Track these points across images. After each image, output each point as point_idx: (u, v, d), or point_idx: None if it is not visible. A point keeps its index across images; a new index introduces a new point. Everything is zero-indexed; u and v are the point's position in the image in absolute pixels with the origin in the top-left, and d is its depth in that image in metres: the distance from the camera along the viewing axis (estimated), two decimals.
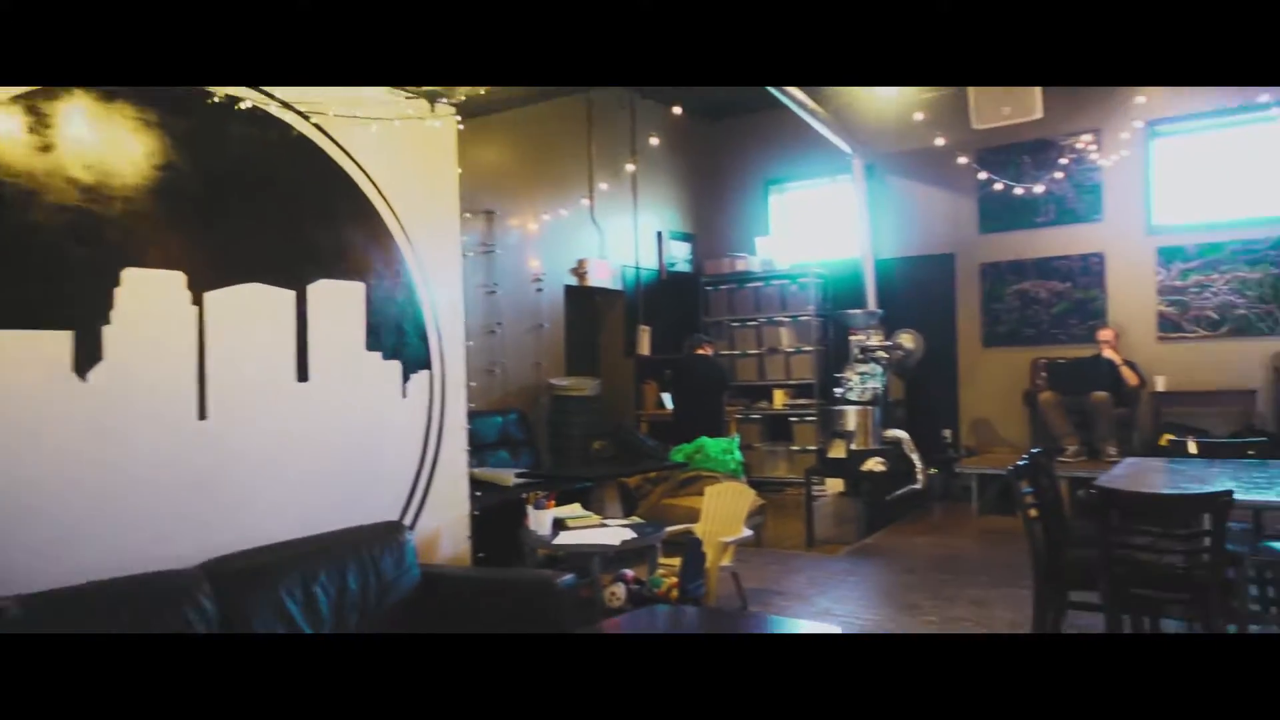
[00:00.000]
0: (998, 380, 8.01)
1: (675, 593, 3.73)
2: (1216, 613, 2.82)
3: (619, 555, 4.11)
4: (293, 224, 3.32)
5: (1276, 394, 6.66)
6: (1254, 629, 3.52)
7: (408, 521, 3.69)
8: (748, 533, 4.53)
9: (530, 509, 3.93)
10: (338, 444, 3.40)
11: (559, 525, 4.04)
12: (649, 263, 8.59)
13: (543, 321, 7.23)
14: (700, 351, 7.46)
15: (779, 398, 8.58)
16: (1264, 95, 6.24)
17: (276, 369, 3.23)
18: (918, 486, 6.92)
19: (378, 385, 3.59)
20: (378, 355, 3.58)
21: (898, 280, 8.44)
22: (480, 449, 6.23)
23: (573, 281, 7.59)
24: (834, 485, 7.33)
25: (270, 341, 3.20)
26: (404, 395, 3.71)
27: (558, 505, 4.37)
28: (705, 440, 6.36)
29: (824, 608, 4.59)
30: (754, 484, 8.63)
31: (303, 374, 3.30)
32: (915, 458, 6.89)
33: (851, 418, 6.69)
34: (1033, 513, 3.60)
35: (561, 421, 6.89)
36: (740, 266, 8.72)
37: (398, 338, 3.68)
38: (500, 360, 6.79)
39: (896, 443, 6.86)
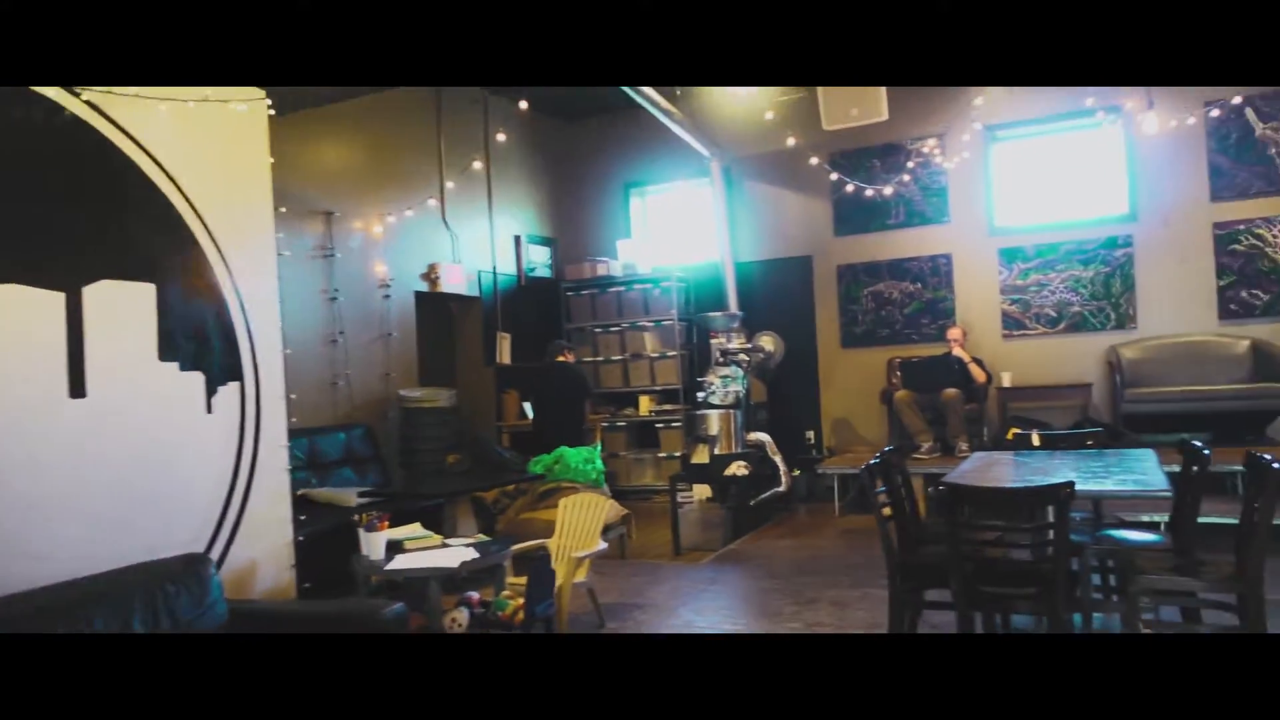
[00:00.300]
0: (856, 380, 8.12)
1: (521, 615, 3.47)
2: (1062, 606, 2.79)
3: (470, 577, 3.83)
4: (62, 217, 2.88)
5: (1110, 387, 6.99)
6: (1098, 618, 3.57)
7: (216, 553, 3.29)
8: (603, 546, 4.31)
9: (361, 532, 3.58)
10: (123, 469, 2.97)
11: (394, 548, 3.71)
12: (507, 268, 8.29)
13: (391, 330, 6.82)
14: (561, 359, 7.23)
15: (644, 404, 8.44)
16: (1090, 99, 6.53)
17: (42, 384, 2.78)
18: (781, 489, 6.90)
19: (174, 400, 3.17)
20: (173, 366, 3.17)
21: (757, 283, 8.45)
22: (323, 468, 5.79)
23: (424, 287, 7.21)
24: (700, 491, 7.23)
25: (33, 352, 2.75)
26: (208, 410, 3.30)
27: (402, 525, 4.04)
28: (565, 450, 6.12)
29: (686, 619, 4.42)
30: (621, 493, 8.47)
31: (77, 389, 2.86)
32: (778, 460, 6.86)
33: (714, 422, 6.60)
34: (886, 511, 3.53)
35: (413, 435, 6.50)
36: (602, 271, 8.54)
37: (199, 346, 3.27)
38: (344, 371, 6.34)
39: (760, 446, 6.81)
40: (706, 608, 4.61)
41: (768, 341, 7.66)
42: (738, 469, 6.44)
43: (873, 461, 3.55)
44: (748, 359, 7.01)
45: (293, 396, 3.72)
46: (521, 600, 3.51)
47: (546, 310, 8.71)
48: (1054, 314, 7.47)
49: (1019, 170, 7.71)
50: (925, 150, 7.73)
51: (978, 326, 7.63)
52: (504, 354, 8.03)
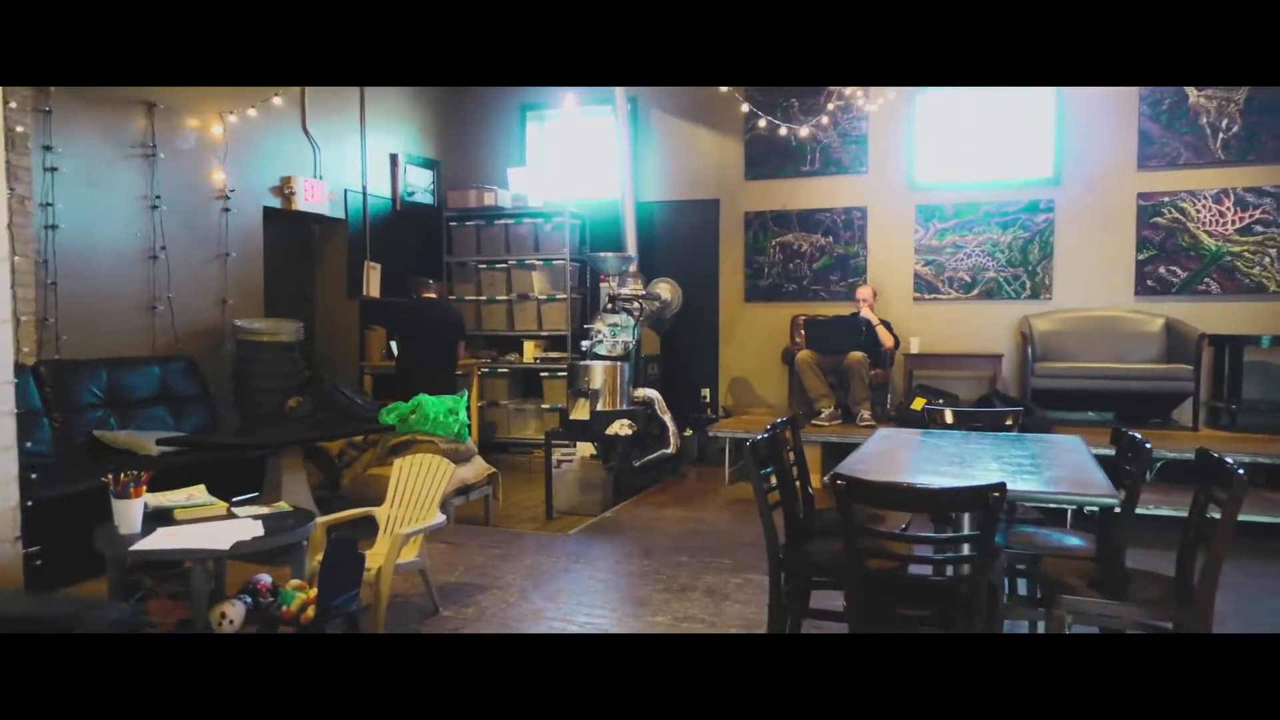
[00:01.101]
0: (758, 337, 7.56)
1: (310, 611, 2.74)
2: (983, 627, 2.23)
3: (268, 555, 3.07)
4: None
5: (1021, 358, 6.60)
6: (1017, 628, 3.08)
7: None
8: (440, 520, 3.60)
9: (112, 498, 2.77)
10: None
11: (162, 519, 2.92)
12: (381, 189, 7.35)
13: (229, 250, 5.86)
14: (426, 295, 6.41)
15: (529, 350, 7.70)
16: None
17: None
18: (669, 451, 6.30)
19: None
20: None
21: (659, 226, 7.77)
22: (128, 406, 4.89)
23: (275, 203, 6.25)
24: (584, 449, 6.57)
25: None
26: None
27: (206, 484, 3.24)
28: (424, 399, 5.35)
29: (536, 606, 3.77)
30: (500, 446, 7.76)
31: None
32: (667, 419, 6.25)
33: (598, 374, 5.92)
34: (773, 497, 2.93)
35: (250, 374, 5.62)
36: (489, 201, 7.69)
37: None
38: (165, 295, 5.39)
39: (648, 403, 6.18)
40: (563, 591, 3.97)
41: (665, 289, 7.00)
42: (621, 428, 5.81)
43: (759, 438, 2.93)
44: (640, 307, 6.34)
45: (23, 318, 2.85)
46: (314, 592, 2.78)
47: (425, 240, 7.83)
48: (968, 279, 7.02)
49: (943, 124, 7.17)
50: (847, 94, 7.12)
51: (888, 287, 7.14)
52: (372, 286, 7.15)
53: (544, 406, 7.64)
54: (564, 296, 7.52)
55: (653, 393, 6.19)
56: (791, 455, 3.26)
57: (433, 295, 6.45)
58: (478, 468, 5.51)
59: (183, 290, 5.50)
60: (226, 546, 2.65)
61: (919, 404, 6.27)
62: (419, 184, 7.80)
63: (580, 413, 5.86)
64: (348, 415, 5.43)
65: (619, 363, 6.04)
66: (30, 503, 2.86)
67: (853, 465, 2.73)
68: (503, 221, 7.73)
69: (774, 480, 2.94)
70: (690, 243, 7.71)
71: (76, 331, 4.84)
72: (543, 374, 7.61)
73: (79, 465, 4.34)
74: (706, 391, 7.73)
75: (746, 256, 7.58)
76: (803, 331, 7.02)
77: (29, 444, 4.32)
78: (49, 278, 4.71)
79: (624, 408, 5.98)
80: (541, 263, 7.62)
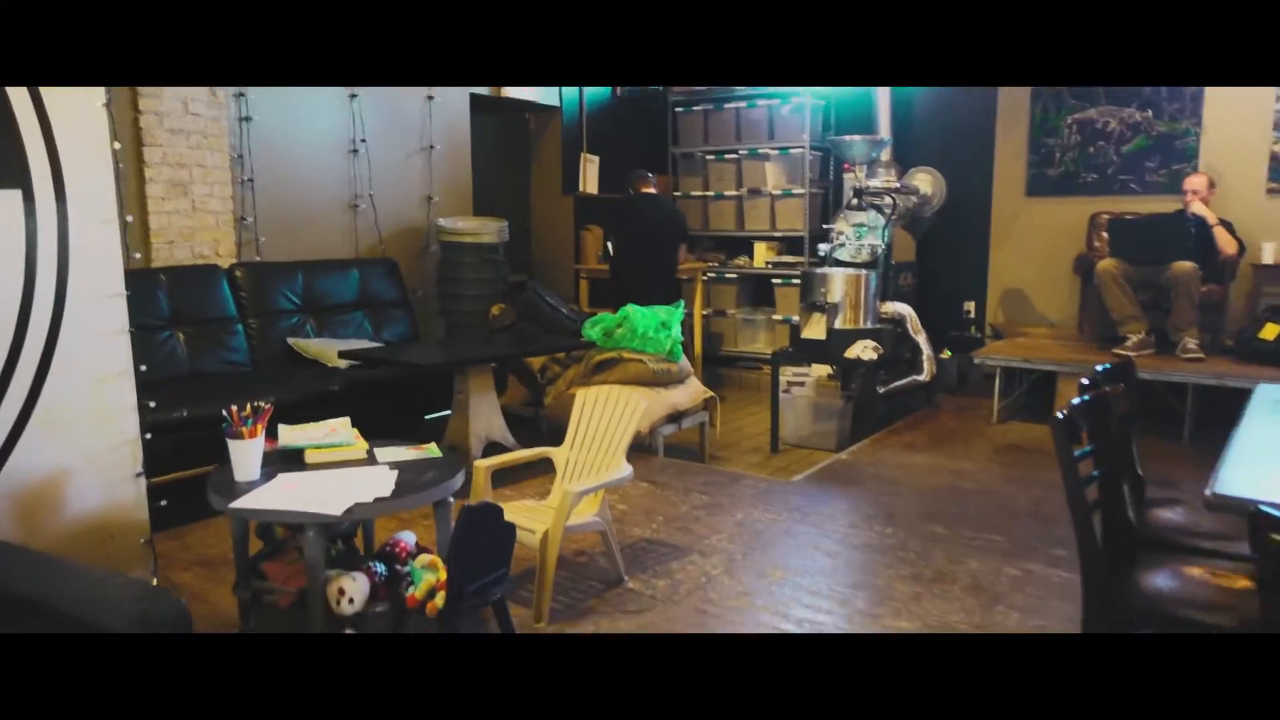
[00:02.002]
0: (1042, 240, 6.15)
1: (438, 600, 2.15)
2: None
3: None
4: None
5: None
6: None
7: None
8: (625, 471, 2.91)
9: (228, 438, 2.31)
10: None
11: (290, 460, 2.44)
12: None
13: (433, 142, 5.40)
14: (645, 190, 5.66)
15: (761, 253, 6.80)
16: None
17: None
18: (922, 378, 5.23)
19: None
20: None
21: (920, 105, 6.45)
22: (325, 312, 4.61)
23: (483, 90, 5.70)
24: (820, 371, 5.66)
25: None
26: None
27: (352, 424, 2.75)
28: (632, 310, 4.66)
29: (743, 587, 3.00)
30: (726, 360, 7.02)
31: None
32: (921, 340, 5.16)
33: (838, 284, 4.93)
34: (1091, 494, 1.93)
35: (452, 278, 5.20)
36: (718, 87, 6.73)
37: None
38: (366, 193, 5.04)
39: (898, 320, 5.12)
40: (779, 566, 3.17)
41: (924, 181, 5.78)
42: (864, 350, 4.82)
43: (1075, 403, 1.92)
44: (893, 203, 5.21)
45: (129, 218, 2.40)
46: (443, 574, 2.18)
47: (648, 129, 7.05)
48: None
49: None
50: None
51: (1229, 176, 5.45)
52: (588, 181, 6.51)
53: (775, 318, 6.76)
54: (801, 191, 6.49)
55: (904, 308, 5.11)
56: (1113, 426, 2.20)
57: (651, 190, 5.70)
58: (693, 391, 4.79)
59: (385, 187, 5.13)
60: (338, 511, 2.09)
61: (1271, 332, 4.73)
62: None
63: (814, 330, 4.93)
64: (551, 326, 4.88)
65: (864, 271, 5.01)
66: (149, 435, 2.46)
67: (1242, 466, 1.66)
68: (734, 105, 6.76)
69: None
70: (958, 124, 6.35)
71: (276, 232, 4.59)
72: (775, 281, 6.70)
73: (271, 373, 4.10)
74: (971, 306, 6.47)
75: (1031, 139, 6.12)
76: (1105, 233, 5.56)
77: (228, 354, 4.13)
78: (245, 174, 4.44)
79: (868, 325, 4.97)
80: (776, 152, 6.61)
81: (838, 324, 4.92)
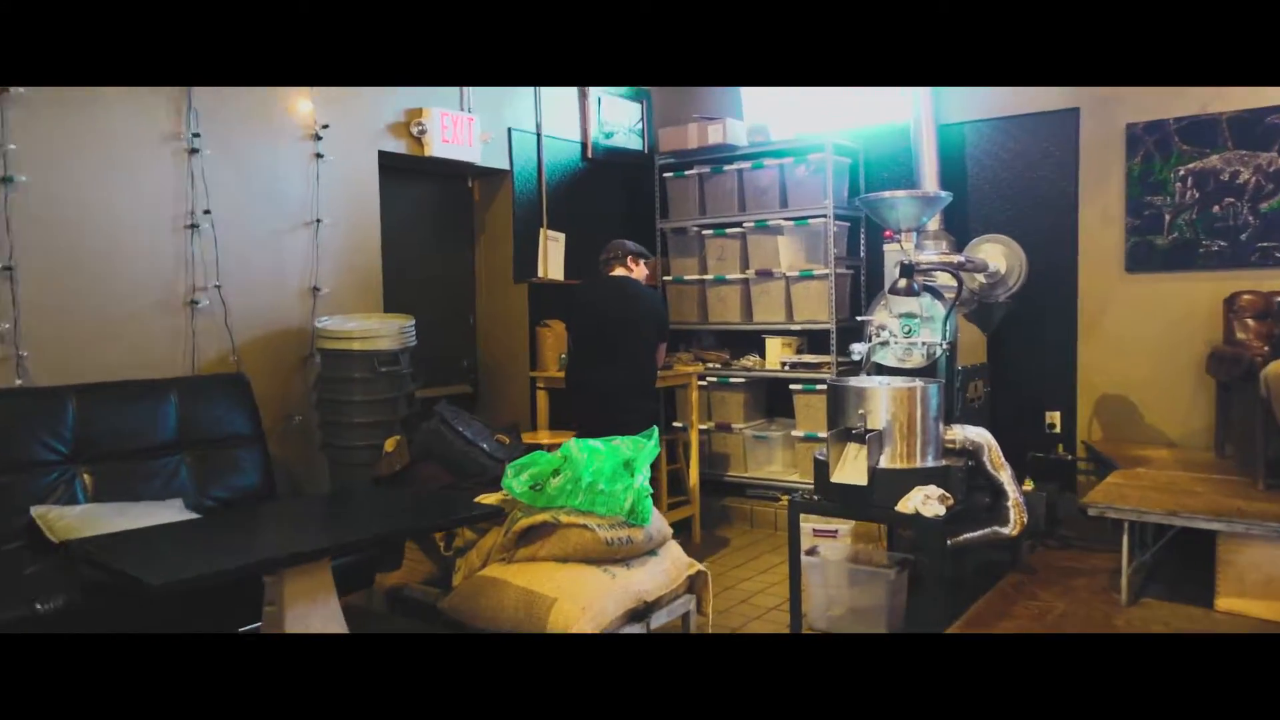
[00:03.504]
0: (1152, 330, 4.58)
1: None
2: None
3: None
4: None
5: None
6: None
7: None
8: None
9: None
10: None
11: None
12: (564, 129, 5.25)
13: (321, 215, 3.98)
14: (615, 272, 4.21)
15: (774, 350, 5.29)
16: None
17: None
18: (1007, 531, 3.59)
19: None
20: None
21: (975, 159, 5.00)
22: (122, 461, 3.10)
23: (396, 147, 4.31)
24: (864, 532, 4.02)
25: None
26: None
27: None
28: (576, 447, 3.12)
29: None
30: (730, 487, 5.42)
31: None
32: (1005, 479, 3.54)
33: (883, 402, 3.35)
34: None
35: (337, 400, 3.70)
36: (716, 139, 5.33)
37: None
38: (211, 283, 3.59)
39: (972, 451, 3.52)
40: None
41: (994, 253, 4.27)
42: (926, 503, 3.23)
43: None
44: (959, 282, 3.68)
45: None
46: None
47: (631, 198, 5.65)
48: None
49: None
50: None
51: None
52: (549, 264, 5.07)
53: (796, 434, 5.19)
54: (825, 272, 5.01)
55: (980, 434, 3.51)
56: None
57: (623, 272, 4.24)
58: (670, 567, 3.21)
59: (242, 276, 3.69)
60: None
61: None
62: (620, 121, 5.60)
63: (851, 470, 3.34)
64: (462, 469, 3.34)
65: (919, 382, 3.45)
66: None
67: None
68: (735, 166, 5.34)
69: None
70: (1025, 182, 4.87)
71: (51, 343, 3.13)
72: (794, 387, 5.16)
73: None
74: (1055, 418, 4.87)
75: (1130, 198, 4.61)
76: (1252, 320, 3.99)
77: None
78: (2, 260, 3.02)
79: (929, 462, 3.37)
80: (791, 223, 5.15)
81: (884, 461, 3.33)
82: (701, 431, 5.42)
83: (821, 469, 3.45)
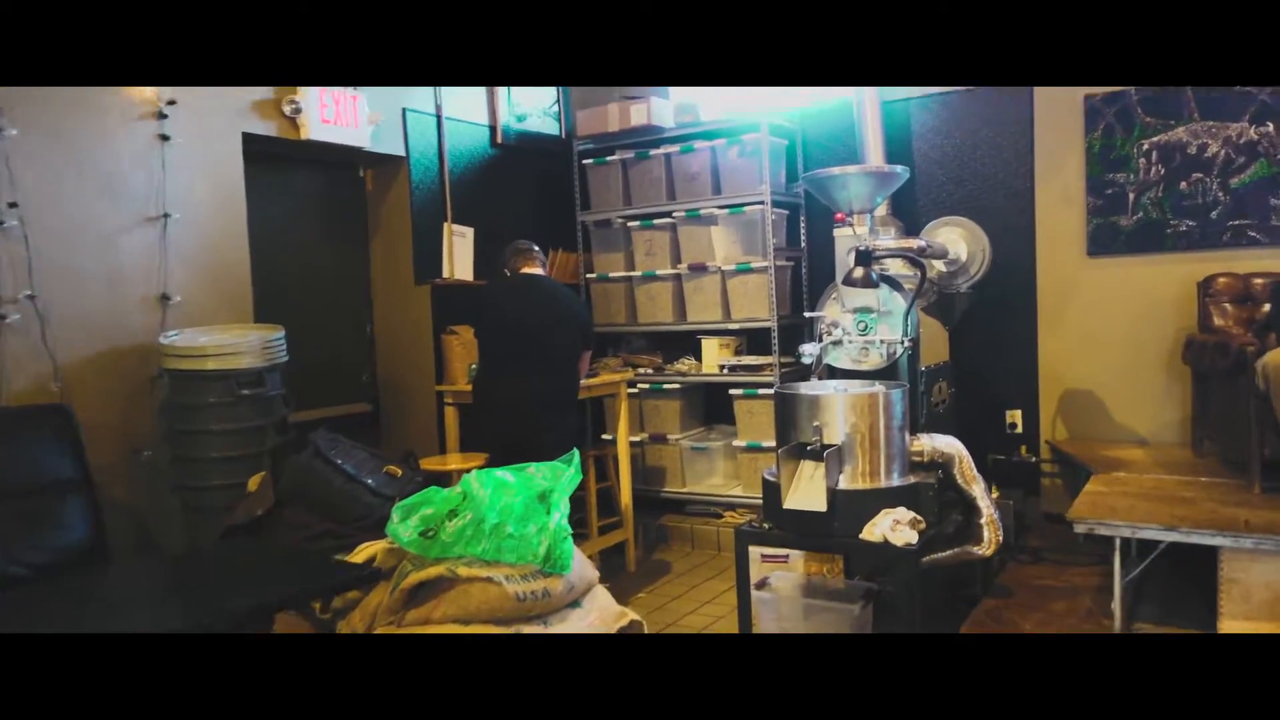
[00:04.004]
0: (1118, 319, 4.22)
1: None
2: None
3: None
4: None
5: None
6: None
7: None
8: None
9: None
10: None
11: None
12: (470, 113, 4.66)
13: (169, 209, 3.33)
14: (528, 270, 3.66)
15: (712, 353, 4.79)
16: None
17: None
18: (980, 551, 3.14)
19: None
20: None
21: (926, 135, 4.58)
22: None
23: (264, 129, 3.68)
24: (812, 562, 3.53)
25: None
26: None
27: None
28: (479, 481, 2.56)
29: None
30: (667, 503, 4.91)
31: None
32: (978, 494, 3.09)
33: (840, 412, 2.86)
34: None
35: (189, 431, 3.06)
36: (640, 120, 4.81)
37: None
38: (21, 293, 2.92)
39: (942, 463, 3.05)
40: None
41: (954, 236, 3.84)
42: (896, 529, 2.75)
43: None
44: (920, 269, 3.22)
45: None
46: None
47: (548, 188, 5.09)
48: None
49: None
50: None
51: None
52: (455, 263, 4.48)
53: (738, 443, 4.70)
54: (764, 264, 4.53)
55: (950, 444, 3.05)
56: None
57: (537, 271, 3.69)
58: (598, 620, 2.66)
59: (66, 284, 3.02)
60: None
61: None
62: (533, 104, 5.03)
63: (807, 495, 2.83)
64: (340, 511, 2.75)
65: (881, 386, 2.98)
66: None
67: None
68: (662, 150, 4.83)
69: None
70: (977, 161, 4.47)
71: None
72: (734, 391, 4.67)
73: None
74: (1016, 416, 4.47)
75: (1090, 175, 4.23)
76: (1230, 305, 3.63)
77: None
78: None
79: (895, 480, 2.90)
80: (726, 211, 4.66)
81: (844, 481, 2.85)
82: (634, 443, 4.89)
83: (772, 492, 2.95)
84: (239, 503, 2.89)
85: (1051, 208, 4.33)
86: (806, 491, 2.82)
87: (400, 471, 2.96)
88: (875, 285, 2.96)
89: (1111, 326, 4.21)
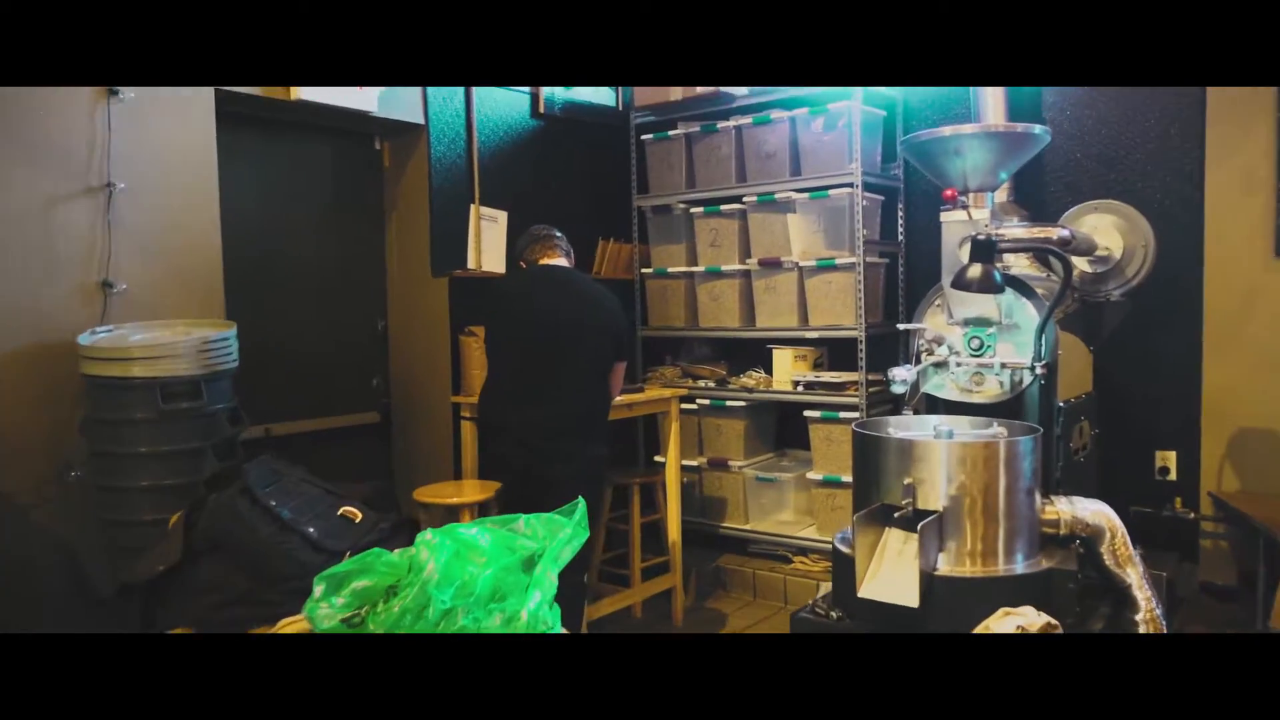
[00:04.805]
0: None
1: None
2: None
3: None
4: None
5: None
6: None
7: None
8: None
9: None
10: None
11: None
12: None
13: (114, 179, 2.75)
14: (549, 261, 2.96)
15: (786, 365, 4.01)
16: None
17: None
18: None
19: None
20: None
21: (1059, 104, 3.68)
22: None
23: (248, 88, 3.07)
24: None
25: None
26: None
27: None
28: (435, 544, 1.86)
29: None
30: (727, 542, 4.15)
31: None
32: (1133, 579, 2.23)
33: (942, 467, 2.06)
34: None
35: (109, 453, 2.47)
36: (706, 92, 4.04)
37: None
38: None
39: (1086, 539, 2.21)
40: None
41: (1105, 227, 2.96)
42: (1026, 627, 1.93)
43: None
44: (1065, 267, 2.37)
45: None
46: None
47: (600, 168, 4.39)
48: None
49: None
50: None
51: None
52: (483, 253, 3.82)
53: (813, 475, 3.91)
54: (850, 260, 3.71)
55: (1100, 513, 2.20)
56: None
57: (560, 262, 2.99)
58: None
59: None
60: None
61: None
62: None
63: (889, 578, 2.04)
64: (264, 568, 2.09)
65: (1001, 430, 2.16)
66: None
67: None
68: (732, 122, 4.06)
69: None
70: (1124, 136, 3.55)
71: None
72: (810, 413, 3.88)
73: None
74: (1170, 459, 3.54)
75: None
76: None
77: None
78: None
79: (1021, 565, 2.07)
80: (806, 195, 3.85)
81: (945, 563, 2.04)
82: (690, 469, 4.17)
83: (844, 569, 2.16)
84: (164, 537, 2.28)
85: (1226, 196, 3.37)
86: (891, 575, 2.03)
87: (360, 515, 2.29)
88: (1000, 289, 2.13)
89: None
